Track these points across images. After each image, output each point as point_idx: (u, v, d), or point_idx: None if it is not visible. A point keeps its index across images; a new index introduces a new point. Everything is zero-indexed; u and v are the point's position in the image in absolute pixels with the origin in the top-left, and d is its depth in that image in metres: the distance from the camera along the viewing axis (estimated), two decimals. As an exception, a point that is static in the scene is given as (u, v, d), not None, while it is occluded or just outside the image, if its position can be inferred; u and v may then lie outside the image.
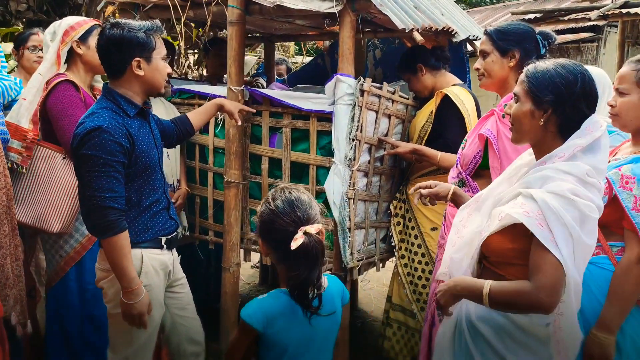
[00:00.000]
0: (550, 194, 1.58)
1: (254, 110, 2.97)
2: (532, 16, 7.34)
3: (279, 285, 1.79)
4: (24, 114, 2.72)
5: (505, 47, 2.37)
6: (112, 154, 2.04)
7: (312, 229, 1.62)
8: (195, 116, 2.70)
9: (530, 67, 1.74)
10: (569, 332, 1.70)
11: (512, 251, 1.68)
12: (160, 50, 2.20)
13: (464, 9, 8.01)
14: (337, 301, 1.83)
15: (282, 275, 1.76)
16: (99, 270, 2.24)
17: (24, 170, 2.71)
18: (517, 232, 1.63)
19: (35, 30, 3.38)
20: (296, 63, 10.78)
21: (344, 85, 2.73)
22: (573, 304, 1.61)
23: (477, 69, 2.47)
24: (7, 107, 2.91)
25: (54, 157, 2.73)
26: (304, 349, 1.74)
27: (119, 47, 2.11)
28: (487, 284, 1.65)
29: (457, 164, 2.55)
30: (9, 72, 3.72)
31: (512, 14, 7.99)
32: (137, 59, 2.13)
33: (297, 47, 11.89)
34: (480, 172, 2.43)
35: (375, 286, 4.84)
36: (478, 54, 2.48)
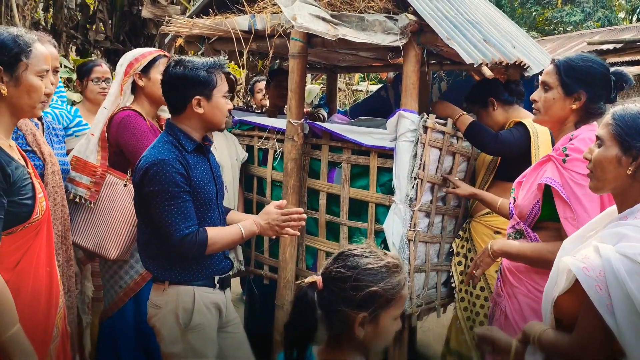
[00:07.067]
0: (619, 256, 1.38)
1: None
2: (610, 46, 6.90)
3: None
4: (92, 150, 2.72)
5: (572, 87, 2.09)
6: (178, 185, 2.04)
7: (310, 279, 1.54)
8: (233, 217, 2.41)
9: (618, 109, 1.58)
10: None
11: None
12: (222, 88, 2.17)
13: (534, 38, 7.63)
14: None
15: None
16: (152, 307, 2.20)
17: (92, 205, 2.71)
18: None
19: (99, 62, 3.42)
20: (360, 91, 10.77)
21: (406, 121, 2.61)
22: None
23: (535, 101, 2.19)
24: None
25: (116, 184, 2.73)
26: None
27: (180, 86, 2.11)
28: (540, 330, 1.60)
29: (511, 214, 2.29)
30: (74, 103, 3.82)
31: (589, 43, 7.54)
32: (198, 97, 2.11)
33: (361, 75, 11.87)
34: (542, 224, 2.15)
35: (435, 327, 4.60)
36: (539, 83, 2.19)
